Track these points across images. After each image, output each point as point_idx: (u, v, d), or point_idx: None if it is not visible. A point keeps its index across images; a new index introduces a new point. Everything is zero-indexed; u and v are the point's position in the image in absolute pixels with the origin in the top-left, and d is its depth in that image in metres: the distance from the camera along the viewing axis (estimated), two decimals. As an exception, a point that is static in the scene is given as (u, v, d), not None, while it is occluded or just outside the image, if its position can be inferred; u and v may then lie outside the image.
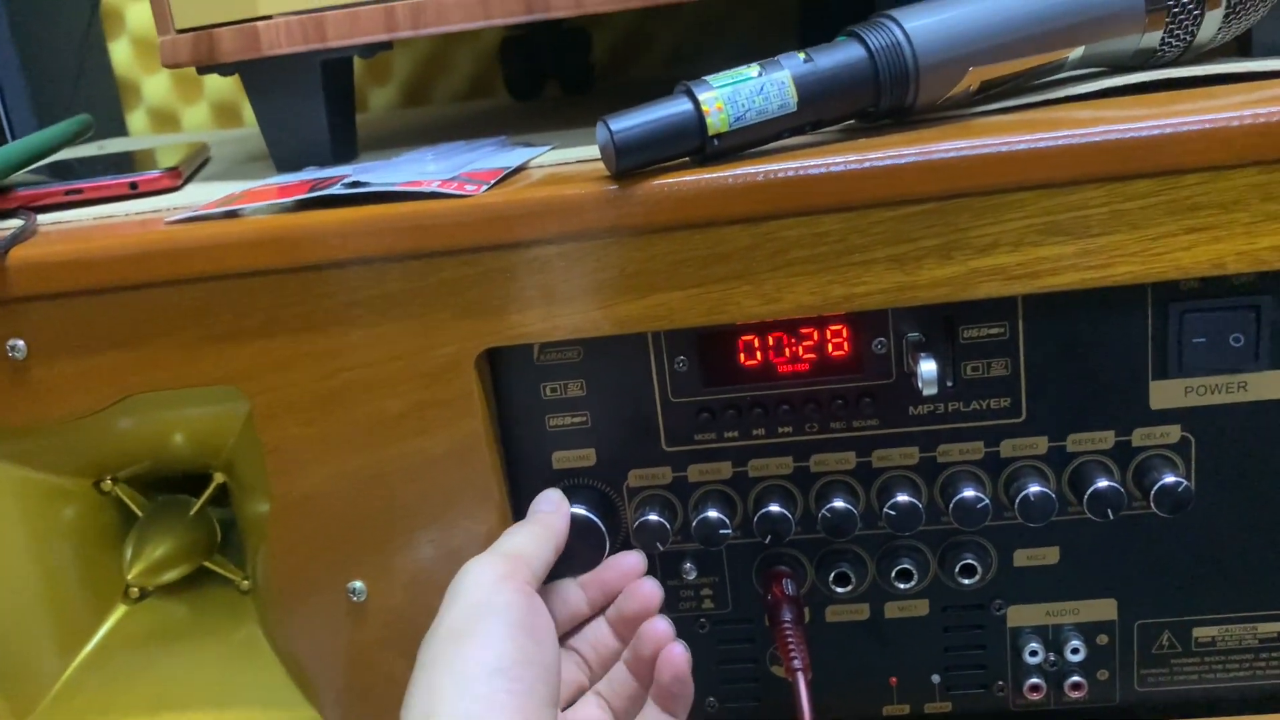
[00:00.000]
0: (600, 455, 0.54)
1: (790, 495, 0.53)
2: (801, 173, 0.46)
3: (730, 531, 0.52)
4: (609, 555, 0.52)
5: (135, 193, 0.60)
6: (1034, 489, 0.50)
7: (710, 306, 0.48)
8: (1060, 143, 0.45)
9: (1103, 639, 0.54)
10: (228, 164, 0.72)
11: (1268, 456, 0.51)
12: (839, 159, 0.45)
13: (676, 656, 0.49)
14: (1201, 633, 0.54)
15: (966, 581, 0.53)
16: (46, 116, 1.00)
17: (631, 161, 0.46)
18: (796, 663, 0.50)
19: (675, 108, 0.46)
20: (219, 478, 0.60)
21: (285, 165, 0.62)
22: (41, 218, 0.57)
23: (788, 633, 0.51)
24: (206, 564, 0.62)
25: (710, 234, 0.47)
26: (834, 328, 0.51)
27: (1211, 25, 0.50)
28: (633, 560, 0.52)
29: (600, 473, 0.54)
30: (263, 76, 0.60)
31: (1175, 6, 0.49)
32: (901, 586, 0.53)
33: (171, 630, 0.61)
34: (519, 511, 0.54)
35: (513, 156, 0.54)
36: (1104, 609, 0.54)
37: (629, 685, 0.51)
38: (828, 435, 0.52)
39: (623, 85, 0.99)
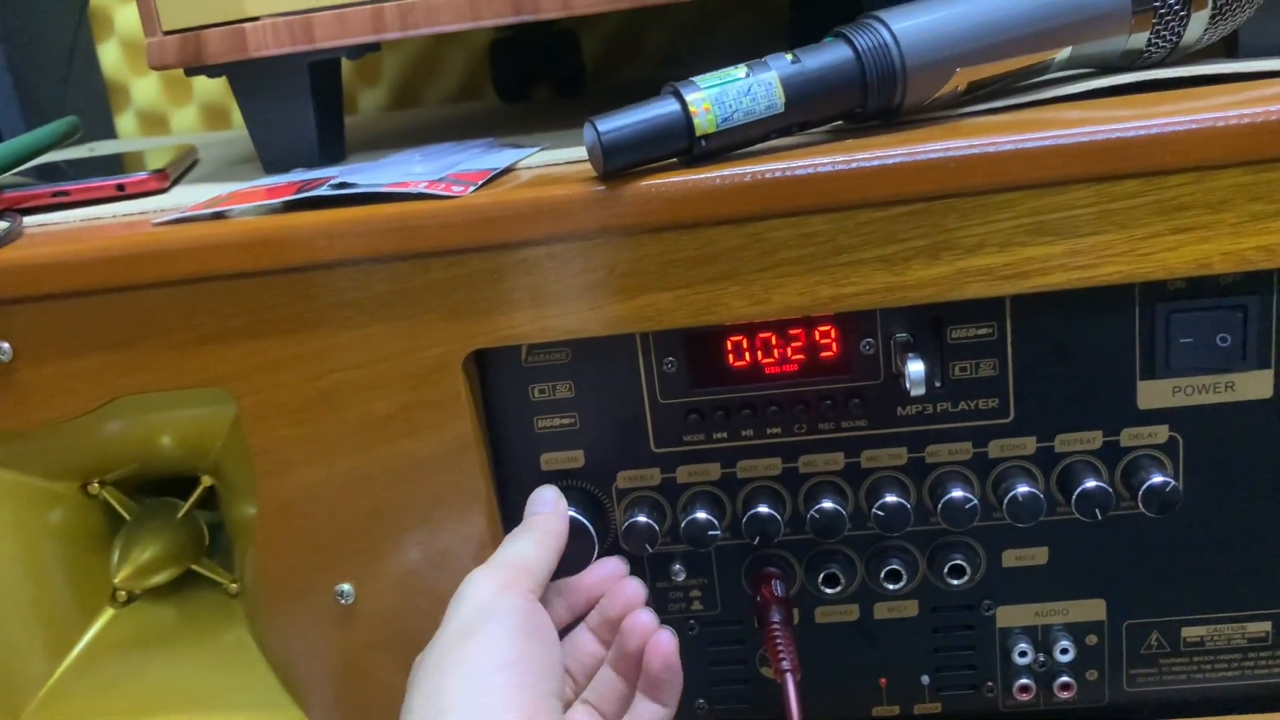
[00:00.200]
0: (589, 457, 0.54)
1: (779, 496, 0.53)
2: (789, 173, 0.46)
3: (719, 533, 0.52)
4: (597, 557, 0.52)
5: (122, 195, 0.60)
6: (1022, 489, 0.50)
7: (698, 307, 0.48)
8: (1048, 143, 0.45)
9: (1092, 639, 0.54)
10: (216, 166, 0.71)
11: (1255, 456, 0.51)
12: (826, 160, 0.45)
13: (664, 643, 0.49)
14: (1190, 632, 0.54)
15: (955, 582, 0.53)
16: (35, 118, 0.99)
17: (619, 162, 0.46)
18: (785, 664, 0.50)
19: (662, 109, 0.46)
20: (207, 480, 0.60)
21: (273, 167, 0.62)
22: (28, 220, 0.57)
23: (777, 634, 0.51)
24: (194, 567, 0.62)
25: (698, 235, 0.47)
26: (822, 328, 0.51)
27: (1198, 26, 0.50)
28: (613, 565, 0.52)
29: (589, 474, 0.54)
30: (250, 78, 0.60)
31: (1162, 7, 0.49)
32: (890, 587, 0.53)
33: (159, 634, 0.61)
34: (507, 513, 0.54)
35: (500, 158, 0.54)
36: (1093, 609, 0.54)
37: (616, 687, 0.51)
38: (816, 436, 0.52)
39: (612, 87, 0.99)
